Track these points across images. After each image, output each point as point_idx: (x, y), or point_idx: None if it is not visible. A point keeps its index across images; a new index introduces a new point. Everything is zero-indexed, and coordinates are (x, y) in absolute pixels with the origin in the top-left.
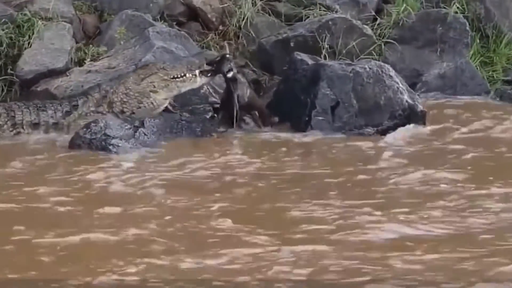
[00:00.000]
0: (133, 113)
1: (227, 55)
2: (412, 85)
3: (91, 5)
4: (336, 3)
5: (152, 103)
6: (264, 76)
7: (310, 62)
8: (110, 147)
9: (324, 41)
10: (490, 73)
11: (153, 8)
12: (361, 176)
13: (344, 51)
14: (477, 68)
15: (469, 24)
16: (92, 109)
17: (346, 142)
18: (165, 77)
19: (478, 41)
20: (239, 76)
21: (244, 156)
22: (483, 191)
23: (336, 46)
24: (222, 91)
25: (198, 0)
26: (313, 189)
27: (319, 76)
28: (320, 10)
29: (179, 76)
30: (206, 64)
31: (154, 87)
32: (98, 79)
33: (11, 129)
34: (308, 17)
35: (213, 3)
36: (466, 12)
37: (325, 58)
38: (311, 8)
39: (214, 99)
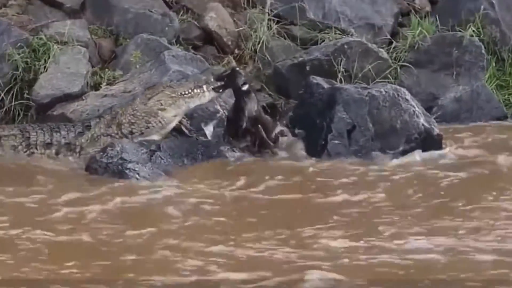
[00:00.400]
0: (142, 133)
1: (237, 68)
2: (428, 109)
3: (107, 29)
4: (351, 27)
5: (160, 121)
6: (280, 100)
7: (326, 85)
8: (127, 171)
9: (340, 65)
10: (506, 96)
11: (169, 32)
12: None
13: (360, 75)
14: (493, 92)
15: (485, 47)
16: (102, 131)
17: (358, 166)
18: (172, 94)
19: (494, 64)
20: (250, 87)
21: (260, 184)
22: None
23: (352, 70)
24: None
25: (213, 24)
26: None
27: (335, 99)
28: (335, 33)
29: (186, 92)
30: (215, 79)
31: (162, 105)
32: (114, 103)
33: (25, 149)
34: (324, 40)
35: (228, 26)
36: (481, 35)
37: (341, 82)
38: (326, 31)
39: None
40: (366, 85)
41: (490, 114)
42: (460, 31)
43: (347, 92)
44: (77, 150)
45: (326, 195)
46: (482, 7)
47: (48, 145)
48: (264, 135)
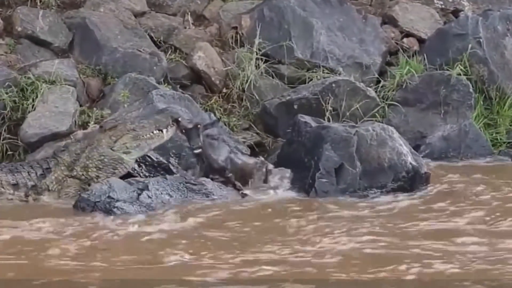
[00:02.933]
0: (108, 177)
1: (199, 126)
2: (416, 147)
3: (95, 68)
4: (339, 66)
5: (125, 167)
6: (268, 139)
7: (314, 124)
8: (115, 209)
9: (328, 104)
10: (493, 135)
11: (157, 71)
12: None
13: (347, 113)
14: (480, 130)
15: (473, 86)
16: (66, 173)
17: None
18: (136, 138)
19: (481, 102)
20: (216, 142)
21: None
22: None
23: (339, 108)
24: None
25: (201, 63)
26: None
27: (323, 138)
28: (323, 72)
29: (148, 135)
30: (180, 131)
31: (127, 148)
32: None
33: None
34: (312, 79)
35: (216, 66)
36: (469, 74)
37: (328, 120)
38: (314, 70)
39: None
40: (354, 124)
41: (478, 152)
42: (448, 69)
43: (334, 130)
44: (45, 193)
45: None
46: (469, 46)
47: (15, 186)
48: (234, 181)
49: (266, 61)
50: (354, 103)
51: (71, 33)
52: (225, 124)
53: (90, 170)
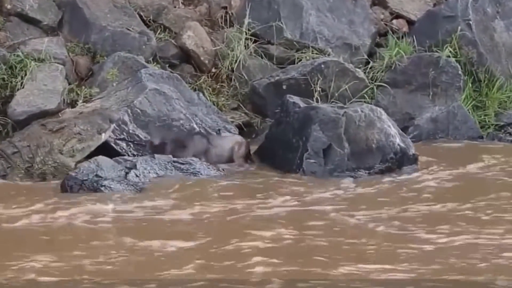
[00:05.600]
0: None
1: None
2: (404, 129)
3: (84, 47)
4: (328, 46)
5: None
6: (256, 119)
7: (302, 105)
8: (102, 188)
9: (317, 84)
10: (482, 117)
11: (146, 50)
12: None
13: (336, 94)
14: (469, 112)
15: (462, 68)
16: None
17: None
18: (82, 141)
19: (470, 85)
20: None
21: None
22: None
23: (328, 89)
24: None
25: (191, 42)
26: None
27: (311, 119)
28: (312, 53)
29: (90, 138)
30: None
31: (73, 151)
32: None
33: None
34: (301, 60)
35: (206, 45)
36: (458, 56)
37: (317, 101)
38: (303, 51)
39: None
40: (342, 105)
41: (466, 134)
42: (437, 51)
43: (323, 111)
44: None
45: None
46: (459, 28)
47: None
48: None
49: (255, 41)
50: (343, 84)
51: (61, 11)
52: (214, 104)
53: None
